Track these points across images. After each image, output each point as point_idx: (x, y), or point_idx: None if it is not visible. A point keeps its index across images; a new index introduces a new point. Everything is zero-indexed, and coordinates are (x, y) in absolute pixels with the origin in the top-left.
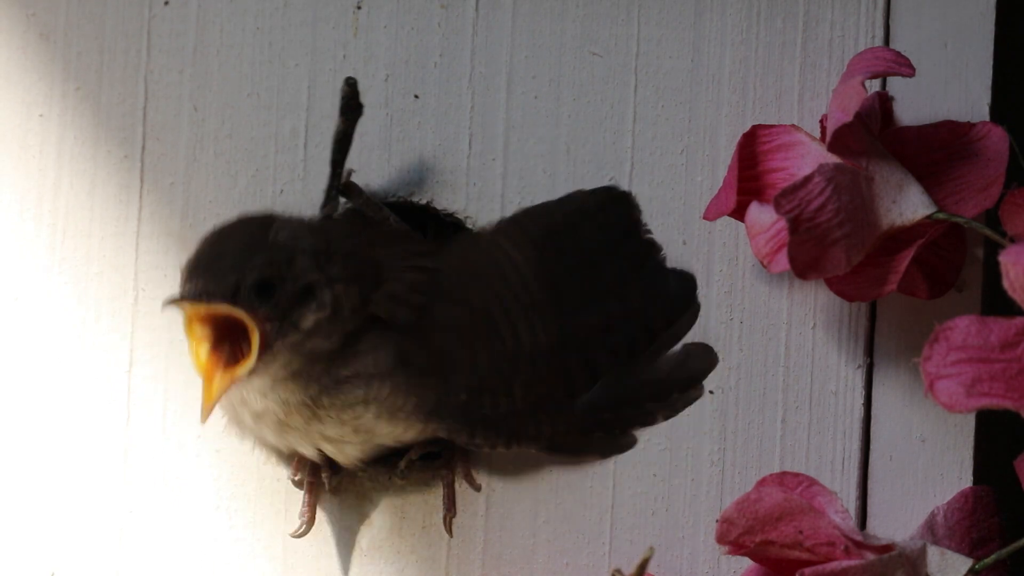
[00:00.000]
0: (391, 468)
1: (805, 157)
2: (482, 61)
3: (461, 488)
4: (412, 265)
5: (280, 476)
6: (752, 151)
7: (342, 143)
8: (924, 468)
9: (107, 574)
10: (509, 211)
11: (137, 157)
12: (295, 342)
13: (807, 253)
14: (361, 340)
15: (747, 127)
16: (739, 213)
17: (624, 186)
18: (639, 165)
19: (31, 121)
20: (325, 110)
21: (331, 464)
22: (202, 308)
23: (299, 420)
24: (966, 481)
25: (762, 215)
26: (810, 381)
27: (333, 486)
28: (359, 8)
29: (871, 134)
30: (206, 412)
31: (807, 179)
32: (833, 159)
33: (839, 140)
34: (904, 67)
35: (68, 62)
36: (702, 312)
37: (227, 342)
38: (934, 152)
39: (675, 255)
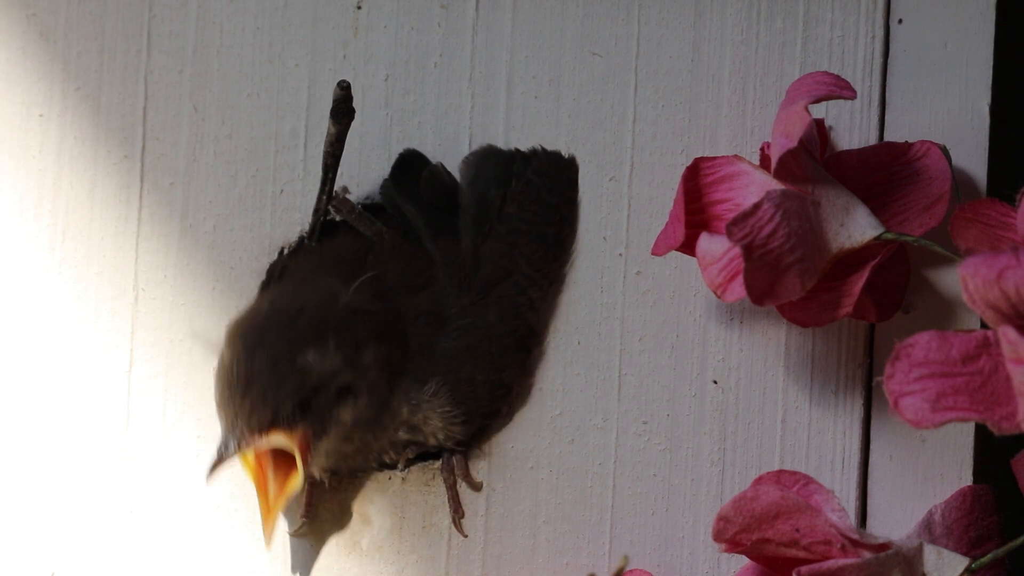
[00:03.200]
0: (391, 467)
1: (749, 186)
2: (482, 61)
3: (461, 488)
4: (422, 312)
5: None
6: (696, 184)
7: (334, 147)
8: (924, 468)
9: (107, 574)
10: None
11: (137, 157)
12: (339, 434)
13: (762, 280)
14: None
15: (747, 127)
16: (687, 247)
17: (624, 186)
18: (639, 165)
19: (31, 121)
20: (325, 110)
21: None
22: (245, 451)
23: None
24: (966, 480)
25: (713, 245)
26: (810, 381)
27: (333, 485)
28: (359, 8)
29: (814, 159)
30: (270, 538)
31: (756, 206)
32: (778, 186)
33: (784, 166)
34: (845, 90)
35: (68, 62)
36: (702, 312)
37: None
38: (875, 174)
39: (673, 256)
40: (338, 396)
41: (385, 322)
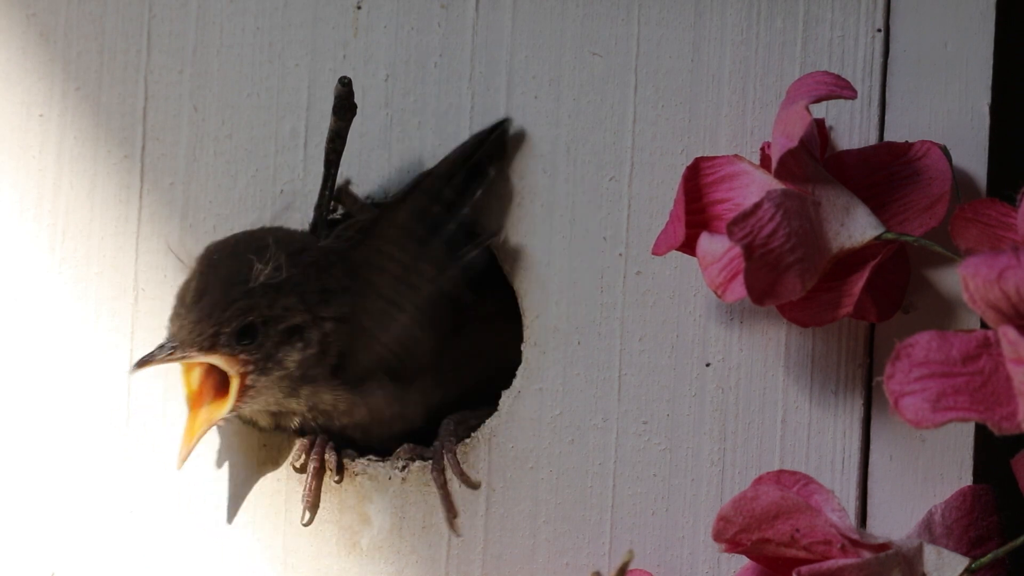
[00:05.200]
0: (391, 467)
1: (750, 186)
2: (482, 61)
3: (461, 488)
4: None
5: (280, 476)
6: (696, 183)
7: (336, 143)
8: (924, 468)
9: (107, 574)
10: (509, 211)
11: (137, 157)
12: (279, 377)
13: (762, 280)
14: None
15: (747, 127)
16: (688, 247)
17: (624, 186)
18: (639, 165)
19: (31, 121)
20: (325, 110)
21: (336, 450)
22: (178, 361)
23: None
24: (966, 480)
25: (713, 245)
26: (810, 381)
27: (338, 472)
28: (359, 8)
29: (815, 159)
30: (182, 458)
31: (757, 206)
32: (778, 185)
33: (784, 166)
34: (845, 90)
35: (68, 62)
36: (701, 314)
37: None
38: (875, 174)
39: (673, 256)
40: (287, 335)
41: (359, 283)
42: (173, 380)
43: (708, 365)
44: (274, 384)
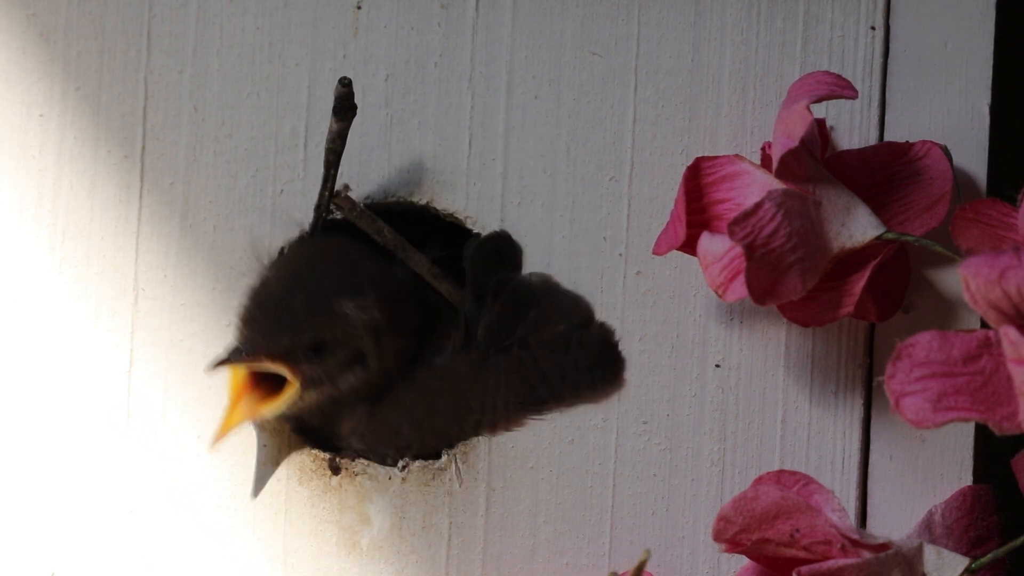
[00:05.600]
0: (390, 467)
1: (750, 186)
2: (482, 61)
3: (461, 489)
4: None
5: (280, 476)
6: (697, 183)
7: (336, 144)
8: (924, 468)
9: (107, 574)
10: (509, 211)
11: (137, 157)
12: (327, 393)
13: (763, 279)
14: None
15: (747, 127)
16: (688, 246)
17: (624, 186)
18: (639, 165)
19: (31, 121)
20: (325, 110)
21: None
22: (249, 365)
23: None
24: (966, 480)
25: (714, 245)
26: (810, 381)
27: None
28: (359, 8)
29: (815, 159)
30: (218, 439)
31: (758, 205)
32: (779, 185)
33: (785, 166)
34: (846, 90)
35: (68, 62)
36: (701, 313)
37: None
38: (876, 174)
39: (673, 256)
40: (349, 359)
41: (415, 324)
42: (173, 380)
43: (718, 366)
44: (319, 397)
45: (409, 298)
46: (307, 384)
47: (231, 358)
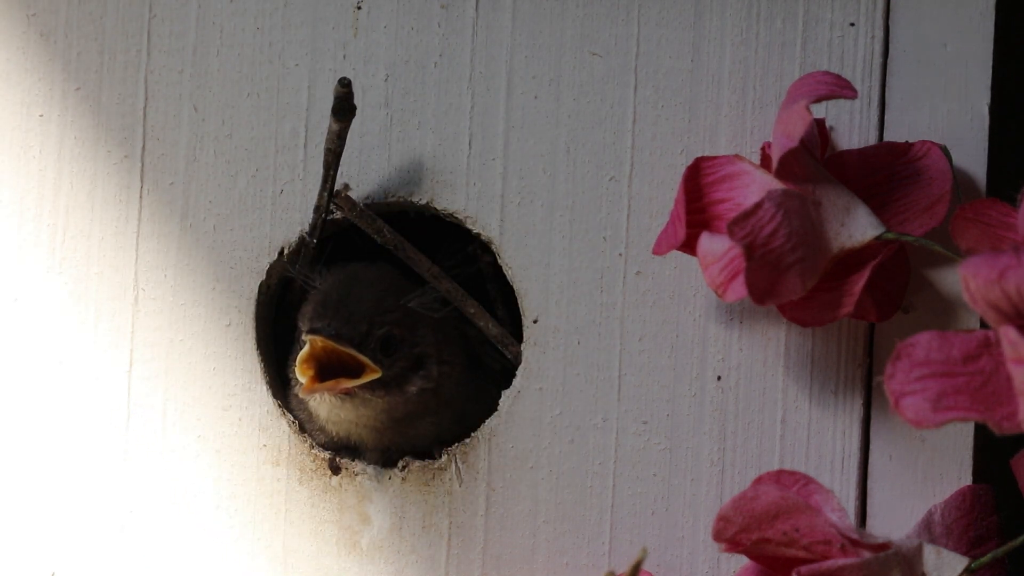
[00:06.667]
0: (391, 467)
1: (750, 186)
2: (482, 61)
3: (461, 489)
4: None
5: (280, 476)
6: (697, 183)
7: (336, 144)
8: (924, 467)
9: (107, 574)
10: (509, 211)
11: (137, 157)
12: (393, 402)
13: (763, 279)
14: None
15: (747, 127)
16: (688, 246)
17: (624, 186)
18: (639, 165)
19: (31, 121)
20: (325, 110)
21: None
22: (331, 345)
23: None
24: (966, 480)
25: (714, 244)
26: (810, 381)
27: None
28: (359, 8)
29: (815, 159)
30: (313, 390)
31: (758, 205)
32: (778, 185)
33: (785, 166)
34: (846, 90)
35: (68, 62)
36: (702, 312)
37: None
38: (876, 174)
39: (673, 256)
40: (416, 362)
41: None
42: (173, 380)
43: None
44: (385, 404)
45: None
46: (378, 385)
47: (324, 334)
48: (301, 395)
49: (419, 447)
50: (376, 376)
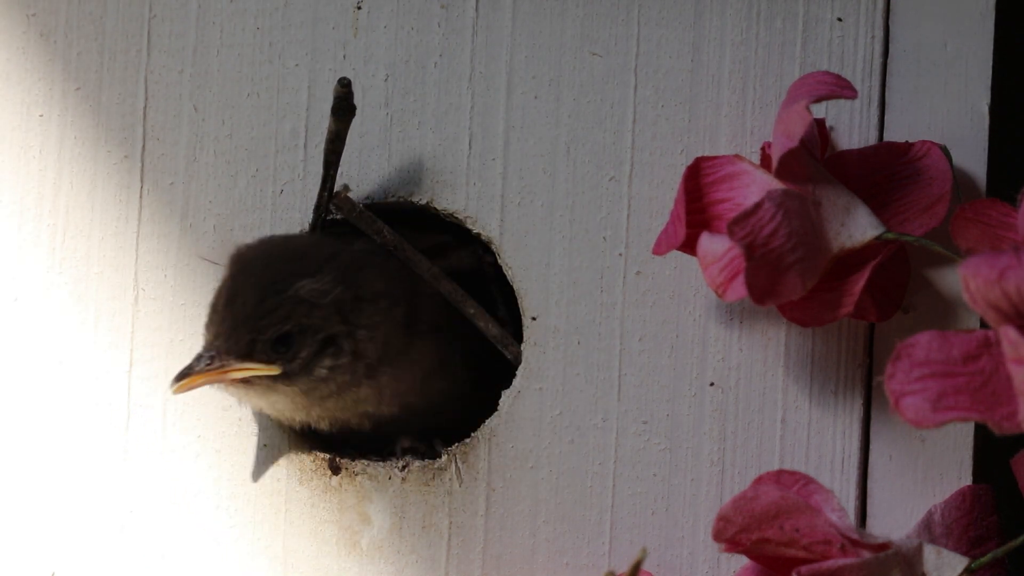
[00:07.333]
0: (391, 467)
1: (750, 186)
2: (482, 61)
3: (461, 489)
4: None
5: (280, 476)
6: (697, 183)
7: (335, 144)
8: (924, 467)
9: (107, 574)
10: (509, 211)
11: (137, 157)
12: (310, 386)
13: (763, 279)
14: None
15: (747, 127)
16: (688, 246)
17: (624, 186)
18: (639, 165)
19: (31, 121)
20: (325, 110)
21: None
22: (219, 374)
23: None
24: (966, 480)
25: (714, 244)
26: (810, 381)
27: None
28: (359, 8)
29: (815, 159)
30: (182, 387)
31: (758, 205)
32: (778, 185)
33: (785, 166)
34: (846, 90)
35: (68, 62)
36: (702, 312)
37: None
38: (876, 174)
39: (673, 256)
40: (322, 346)
41: (396, 286)
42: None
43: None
44: (302, 391)
45: (376, 266)
46: (285, 378)
47: (193, 367)
48: (173, 392)
49: (435, 406)
50: (274, 372)
